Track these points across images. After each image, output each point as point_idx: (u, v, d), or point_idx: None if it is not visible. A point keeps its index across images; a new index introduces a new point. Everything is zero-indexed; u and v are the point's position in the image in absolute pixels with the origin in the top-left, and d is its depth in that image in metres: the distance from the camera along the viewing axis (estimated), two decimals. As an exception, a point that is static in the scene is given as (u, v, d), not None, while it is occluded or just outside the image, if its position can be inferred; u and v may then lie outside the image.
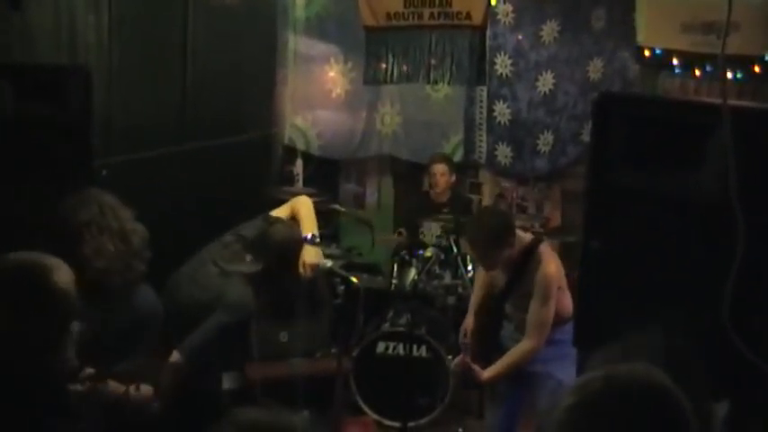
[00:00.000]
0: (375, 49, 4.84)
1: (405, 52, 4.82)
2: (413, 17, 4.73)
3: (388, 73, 4.91)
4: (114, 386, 2.70)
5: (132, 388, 2.75)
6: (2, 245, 2.16)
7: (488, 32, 5.48)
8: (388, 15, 4.74)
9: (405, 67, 4.85)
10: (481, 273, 4.24)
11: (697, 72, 4.92)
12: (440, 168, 5.84)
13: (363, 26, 4.81)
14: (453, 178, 5.93)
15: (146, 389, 2.84)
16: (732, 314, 2.10)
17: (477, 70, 4.77)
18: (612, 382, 1.39)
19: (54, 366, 2.02)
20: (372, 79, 4.98)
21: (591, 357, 1.81)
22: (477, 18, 4.62)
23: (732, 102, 2.18)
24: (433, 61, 4.77)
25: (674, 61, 4.99)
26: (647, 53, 5.13)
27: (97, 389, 2.64)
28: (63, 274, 2.06)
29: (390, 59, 4.86)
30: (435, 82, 5.24)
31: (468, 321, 4.27)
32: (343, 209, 5.94)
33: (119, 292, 2.95)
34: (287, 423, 1.42)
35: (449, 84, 5.44)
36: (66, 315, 2.04)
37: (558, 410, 1.38)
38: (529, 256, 3.80)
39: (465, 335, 4.25)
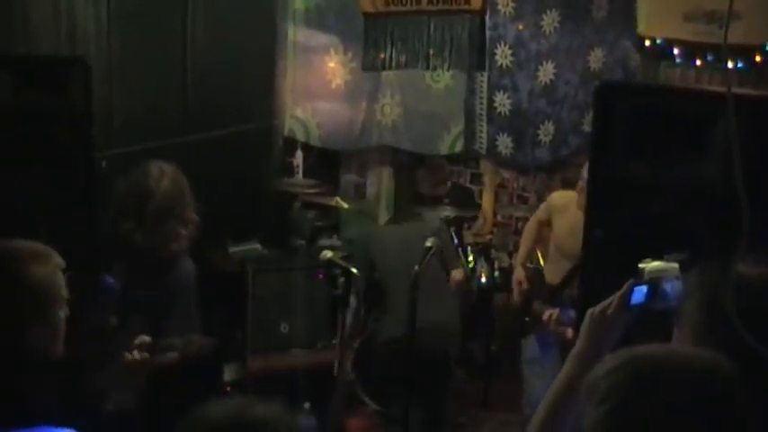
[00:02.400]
0: (374, 35, 4.79)
1: (403, 38, 4.77)
2: (411, 3, 4.68)
3: (387, 59, 4.86)
4: (170, 355, 2.74)
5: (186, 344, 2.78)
6: (1, 236, 2.15)
7: (488, 22, 5.45)
8: (387, 1, 4.70)
9: (403, 54, 4.80)
10: (532, 226, 4.65)
11: (698, 62, 4.92)
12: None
13: (362, 12, 4.76)
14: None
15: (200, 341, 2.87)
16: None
17: (477, 56, 4.71)
18: (680, 367, 1.30)
19: (26, 349, 2.01)
20: (371, 66, 4.93)
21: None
22: (477, 3, 4.57)
23: (735, 90, 2.17)
24: (431, 48, 4.73)
25: (675, 51, 4.98)
26: (647, 43, 5.12)
27: (150, 360, 2.69)
28: (40, 266, 2.04)
29: (389, 46, 4.81)
30: (434, 68, 5.20)
31: (519, 273, 4.56)
32: (344, 204, 5.91)
33: (164, 260, 3.16)
34: (262, 415, 1.35)
35: (448, 70, 5.41)
36: (40, 304, 2.03)
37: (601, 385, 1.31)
38: None
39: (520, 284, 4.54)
